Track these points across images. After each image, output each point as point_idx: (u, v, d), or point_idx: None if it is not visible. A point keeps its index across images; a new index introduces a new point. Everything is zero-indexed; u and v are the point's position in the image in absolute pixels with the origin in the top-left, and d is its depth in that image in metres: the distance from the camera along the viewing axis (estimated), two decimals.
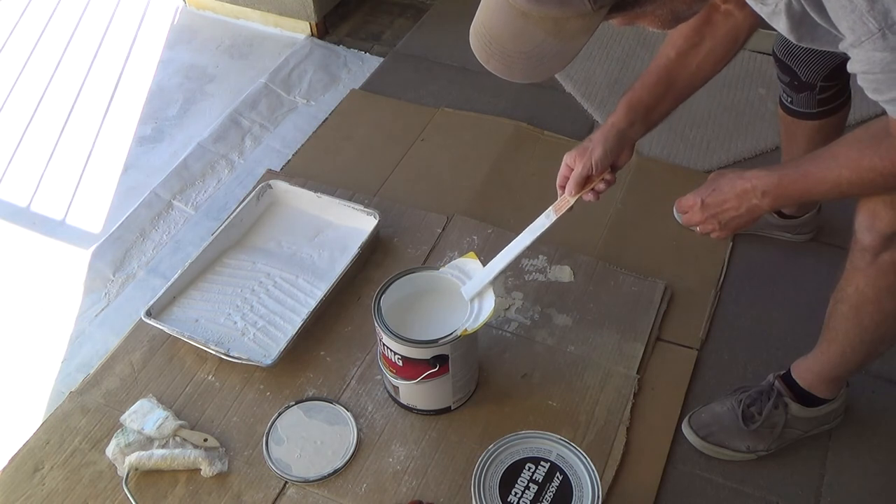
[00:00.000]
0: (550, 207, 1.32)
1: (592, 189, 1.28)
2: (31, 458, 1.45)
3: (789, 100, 1.53)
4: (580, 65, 2.27)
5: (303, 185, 1.88)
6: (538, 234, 1.33)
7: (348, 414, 1.49)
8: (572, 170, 1.28)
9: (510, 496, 1.17)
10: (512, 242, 1.36)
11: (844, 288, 1.22)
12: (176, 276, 1.67)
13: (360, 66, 2.42)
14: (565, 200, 1.30)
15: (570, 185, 1.27)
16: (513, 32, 0.84)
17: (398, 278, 1.43)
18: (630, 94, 1.26)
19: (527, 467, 1.20)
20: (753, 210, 1.10)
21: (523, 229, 1.79)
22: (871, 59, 0.86)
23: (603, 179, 1.27)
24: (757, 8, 0.99)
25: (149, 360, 1.60)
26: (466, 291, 1.39)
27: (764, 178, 1.08)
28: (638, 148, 2.03)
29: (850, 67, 0.91)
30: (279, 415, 1.50)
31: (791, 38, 0.98)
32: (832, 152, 1.03)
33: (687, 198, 1.17)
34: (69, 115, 2.33)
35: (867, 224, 1.12)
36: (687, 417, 1.47)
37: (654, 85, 1.25)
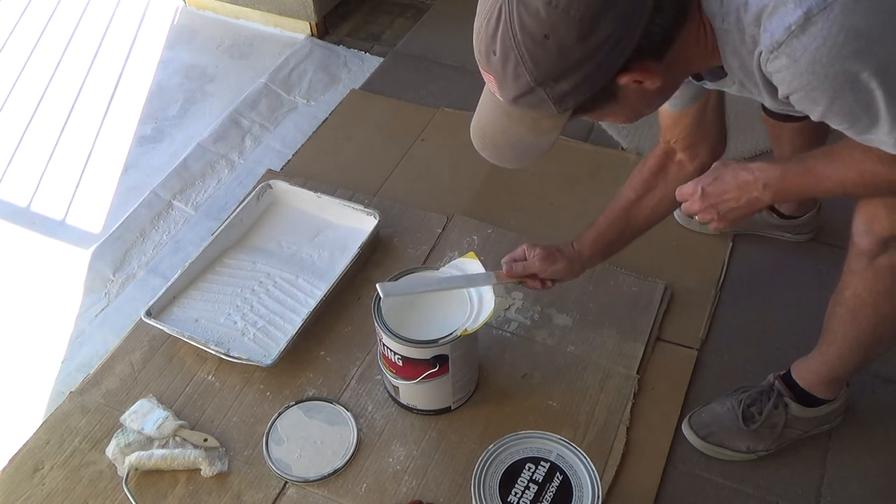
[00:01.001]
0: (494, 273, 1.40)
1: (541, 281, 1.42)
2: (31, 458, 1.46)
3: None
4: None
5: (303, 185, 1.88)
6: (473, 285, 1.40)
7: (348, 414, 1.49)
8: (526, 258, 1.40)
9: (510, 496, 1.17)
10: (450, 277, 1.41)
11: (842, 291, 1.22)
12: (176, 276, 1.68)
13: (360, 66, 2.42)
14: (505, 278, 1.41)
15: (517, 272, 1.40)
16: (501, 128, 1.01)
17: (398, 278, 1.43)
18: (596, 230, 1.43)
19: (527, 467, 1.20)
20: (753, 203, 1.10)
21: (524, 229, 1.81)
22: (783, 79, 0.90)
23: (548, 281, 1.43)
24: (727, 90, 1.08)
25: (149, 360, 1.60)
26: (385, 290, 1.35)
27: (767, 170, 1.08)
28: (638, 148, 2.04)
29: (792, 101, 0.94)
30: (279, 415, 1.50)
31: (772, 106, 1.03)
32: (838, 151, 1.03)
33: (688, 185, 1.17)
34: (69, 115, 2.33)
35: (864, 227, 1.12)
36: (687, 417, 1.47)
37: (616, 222, 1.41)
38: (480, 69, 0.95)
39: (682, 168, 1.36)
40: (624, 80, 0.90)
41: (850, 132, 0.94)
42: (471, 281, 1.40)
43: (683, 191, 1.18)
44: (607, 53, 0.86)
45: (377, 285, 1.35)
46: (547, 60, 0.87)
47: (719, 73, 1.01)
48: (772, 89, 0.95)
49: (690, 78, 1.07)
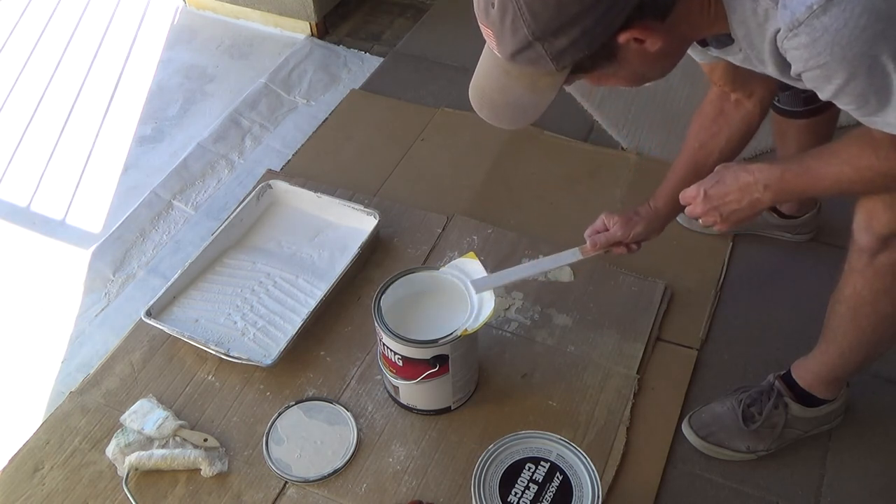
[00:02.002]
0: (578, 248, 1.43)
1: (626, 246, 1.43)
2: (31, 458, 1.45)
3: (777, 98, 1.54)
4: None
5: (303, 185, 1.88)
6: (560, 264, 1.44)
7: (348, 414, 1.49)
8: (607, 227, 1.41)
9: (510, 496, 1.17)
10: (535, 261, 1.45)
11: (842, 289, 1.22)
12: (176, 276, 1.67)
13: (360, 66, 2.42)
14: (590, 250, 1.42)
15: (601, 243, 1.41)
16: (499, 86, 1.00)
17: (398, 278, 1.43)
18: (668, 186, 1.40)
19: (527, 467, 1.20)
20: (755, 204, 1.11)
21: (524, 229, 1.81)
22: (800, 57, 0.89)
23: (632, 244, 1.43)
24: (730, 58, 1.07)
25: (149, 360, 1.60)
26: (477, 285, 1.39)
27: (767, 171, 1.08)
28: (638, 148, 2.04)
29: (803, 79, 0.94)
30: (279, 415, 1.50)
31: (774, 74, 1.01)
32: (834, 149, 1.04)
33: (690, 189, 1.18)
34: (69, 115, 2.33)
35: (864, 224, 1.12)
36: (687, 417, 1.47)
37: (687, 174, 1.37)
38: (479, 24, 0.94)
39: (741, 105, 1.32)
40: (623, 38, 0.89)
41: (856, 113, 0.94)
42: (556, 261, 1.43)
43: (686, 194, 1.19)
44: (607, 9, 0.85)
45: (469, 282, 1.39)
46: (545, 13, 0.86)
47: (725, 40, 1.00)
48: (781, 64, 0.94)
49: (696, 43, 1.06)
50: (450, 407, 1.49)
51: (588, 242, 1.42)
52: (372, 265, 1.76)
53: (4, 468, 1.45)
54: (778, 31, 0.88)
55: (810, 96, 1.47)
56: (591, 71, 0.95)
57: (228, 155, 2.14)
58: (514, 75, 0.97)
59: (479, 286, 1.39)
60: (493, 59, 0.97)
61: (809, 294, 1.63)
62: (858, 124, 0.97)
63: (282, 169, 2.03)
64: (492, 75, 1.00)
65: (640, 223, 1.40)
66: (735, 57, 1.05)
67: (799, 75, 0.92)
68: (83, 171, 2.15)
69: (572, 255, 1.43)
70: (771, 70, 0.98)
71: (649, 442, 1.45)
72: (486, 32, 0.94)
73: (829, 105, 1.50)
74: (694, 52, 1.21)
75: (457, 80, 2.26)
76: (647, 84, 1.03)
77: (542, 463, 1.20)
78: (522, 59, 0.92)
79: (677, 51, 1.00)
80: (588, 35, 0.87)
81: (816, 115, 1.51)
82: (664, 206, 1.41)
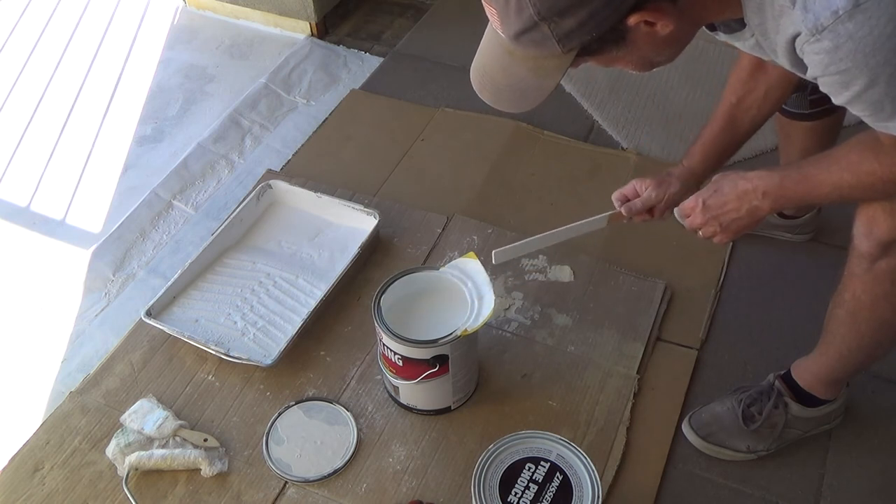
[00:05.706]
0: (607, 215, 1.34)
1: (653, 213, 1.34)
2: (31, 458, 1.46)
3: None
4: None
5: (303, 185, 1.88)
6: (586, 232, 1.36)
7: (348, 414, 1.49)
8: (638, 193, 1.33)
9: (510, 496, 1.17)
10: (558, 230, 1.35)
11: (842, 293, 1.22)
12: (176, 276, 1.68)
13: (360, 66, 2.42)
14: (622, 217, 1.34)
15: (637, 208, 1.32)
16: (501, 67, 0.96)
17: (398, 278, 1.43)
18: (703, 143, 1.34)
19: (527, 467, 1.20)
20: (754, 212, 1.10)
21: (524, 229, 1.81)
22: (820, 62, 0.87)
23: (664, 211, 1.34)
24: (739, 45, 1.04)
25: (149, 360, 1.60)
26: (498, 256, 1.34)
27: (765, 178, 1.08)
28: (638, 148, 2.04)
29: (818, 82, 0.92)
30: (279, 415, 1.50)
31: (792, 70, 0.99)
32: (834, 155, 1.03)
33: (688, 201, 1.17)
34: (69, 115, 2.33)
35: (865, 230, 1.12)
36: (687, 417, 1.47)
37: (722, 131, 1.33)
38: (483, 1, 0.90)
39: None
40: (633, 20, 0.86)
41: (869, 119, 0.93)
42: (582, 228, 1.35)
43: (684, 207, 1.18)
44: None
45: (493, 252, 1.33)
46: None
47: (734, 25, 0.98)
48: (795, 62, 0.92)
49: (704, 28, 1.03)
50: (450, 407, 1.49)
51: (623, 209, 1.33)
52: (372, 265, 1.76)
53: (4, 468, 1.45)
54: (797, 34, 0.86)
55: (816, 99, 1.47)
56: (598, 54, 0.92)
57: (228, 155, 2.14)
58: (517, 57, 0.93)
59: (500, 257, 1.34)
60: (497, 39, 0.93)
61: (809, 294, 1.63)
62: (861, 124, 0.97)
63: (282, 169, 2.03)
64: (494, 56, 0.96)
65: (674, 183, 1.32)
66: (745, 43, 1.02)
67: (815, 78, 0.91)
68: (83, 171, 2.15)
69: (599, 222, 1.34)
70: (782, 63, 0.96)
71: (649, 442, 1.45)
72: (490, 11, 0.90)
73: (835, 108, 1.51)
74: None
75: (457, 80, 2.26)
76: (654, 70, 1.00)
77: (542, 463, 1.20)
78: (527, 40, 0.88)
79: (687, 35, 0.97)
80: (597, 17, 0.84)
81: (822, 118, 1.51)
82: (699, 163, 1.34)
